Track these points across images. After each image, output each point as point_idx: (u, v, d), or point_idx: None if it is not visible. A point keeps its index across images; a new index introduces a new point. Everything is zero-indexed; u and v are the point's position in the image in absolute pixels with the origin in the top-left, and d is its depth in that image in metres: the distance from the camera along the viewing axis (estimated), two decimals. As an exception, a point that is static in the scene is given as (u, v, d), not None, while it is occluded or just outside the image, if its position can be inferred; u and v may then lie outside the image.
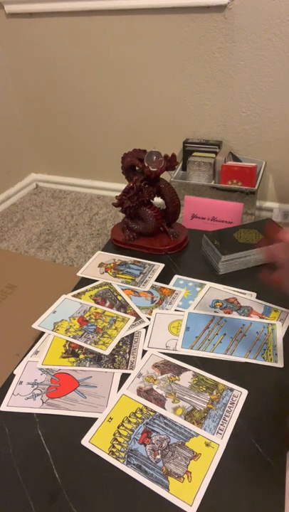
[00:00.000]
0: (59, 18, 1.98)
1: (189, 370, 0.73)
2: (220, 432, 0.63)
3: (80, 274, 1.00)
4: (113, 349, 0.79)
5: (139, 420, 0.65)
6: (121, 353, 0.78)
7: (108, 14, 1.87)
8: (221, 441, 0.62)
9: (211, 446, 0.61)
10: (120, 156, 1.10)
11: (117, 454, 0.61)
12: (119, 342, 0.80)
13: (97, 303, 0.90)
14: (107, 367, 0.75)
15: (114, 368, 0.75)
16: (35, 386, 0.72)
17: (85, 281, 0.98)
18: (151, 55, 1.90)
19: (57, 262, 1.87)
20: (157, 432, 0.63)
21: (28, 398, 0.70)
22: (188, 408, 0.67)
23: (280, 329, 0.80)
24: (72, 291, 0.95)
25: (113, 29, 1.90)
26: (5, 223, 2.26)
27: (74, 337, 0.82)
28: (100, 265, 1.03)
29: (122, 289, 0.94)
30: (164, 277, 0.97)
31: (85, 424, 0.65)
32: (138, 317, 0.86)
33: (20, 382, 0.73)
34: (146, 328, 0.83)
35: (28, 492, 0.58)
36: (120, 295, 0.92)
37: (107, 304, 0.90)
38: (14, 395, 0.71)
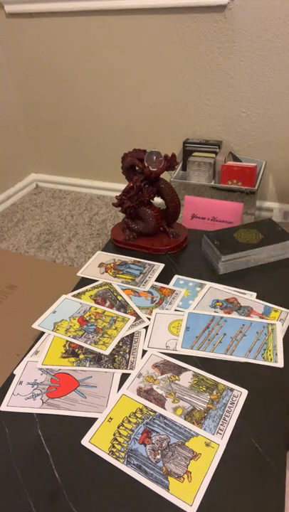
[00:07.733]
0: (59, 18, 1.98)
1: (189, 370, 0.73)
2: (220, 432, 0.63)
3: (80, 274, 1.00)
4: (113, 349, 0.79)
5: (139, 420, 0.65)
6: (121, 353, 0.78)
7: (108, 14, 1.87)
8: (221, 441, 0.62)
9: (211, 446, 0.61)
10: (120, 156, 1.10)
11: (117, 454, 0.61)
12: (119, 342, 0.80)
13: (97, 303, 0.90)
14: (107, 367, 0.75)
15: (114, 368, 0.75)
16: (35, 386, 0.72)
17: (85, 281, 0.98)
18: (151, 55, 1.90)
19: (57, 262, 1.87)
20: (157, 432, 0.63)
21: (28, 398, 0.70)
22: (188, 408, 0.67)
23: (280, 329, 0.80)
24: (72, 291, 0.95)
25: (113, 29, 1.90)
26: (5, 223, 2.26)
27: (74, 337, 0.82)
28: (100, 265, 1.03)
29: (122, 289, 0.94)
30: (164, 277, 0.97)
31: (85, 424, 0.65)
32: (138, 317, 0.86)
33: (21, 382, 0.73)
34: (146, 328, 0.83)
35: (28, 492, 0.58)
36: (120, 295, 0.92)
37: (107, 303, 0.90)
38: (14, 395, 0.71)
